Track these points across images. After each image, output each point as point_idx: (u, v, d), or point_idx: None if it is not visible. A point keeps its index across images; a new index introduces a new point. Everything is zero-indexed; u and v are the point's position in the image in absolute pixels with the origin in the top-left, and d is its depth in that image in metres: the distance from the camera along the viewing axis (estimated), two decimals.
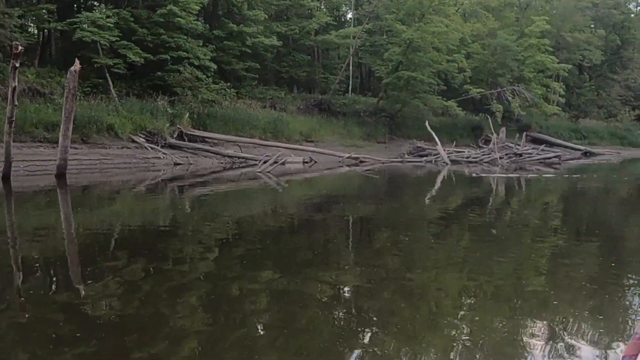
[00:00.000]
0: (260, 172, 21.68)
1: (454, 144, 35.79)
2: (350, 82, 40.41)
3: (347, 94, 39.52)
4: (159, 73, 27.49)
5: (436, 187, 20.04)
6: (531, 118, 46.09)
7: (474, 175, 24.09)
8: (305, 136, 31.66)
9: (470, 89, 40.84)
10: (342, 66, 39.48)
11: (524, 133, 39.06)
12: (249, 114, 30.09)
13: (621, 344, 4.77)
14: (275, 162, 22.90)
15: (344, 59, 40.36)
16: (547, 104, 45.51)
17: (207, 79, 27.84)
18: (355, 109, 37.13)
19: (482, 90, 41.45)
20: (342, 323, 5.40)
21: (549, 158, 35.28)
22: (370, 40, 41.24)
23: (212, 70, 29.20)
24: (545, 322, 5.38)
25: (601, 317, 5.52)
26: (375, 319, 5.50)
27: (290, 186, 19.41)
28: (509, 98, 40.85)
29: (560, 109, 48.08)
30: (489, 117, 38.92)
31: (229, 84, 29.70)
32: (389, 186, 20.70)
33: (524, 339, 4.94)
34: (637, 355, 1.61)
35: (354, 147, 31.83)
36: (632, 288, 6.62)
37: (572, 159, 39.38)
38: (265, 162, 22.81)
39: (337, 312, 5.68)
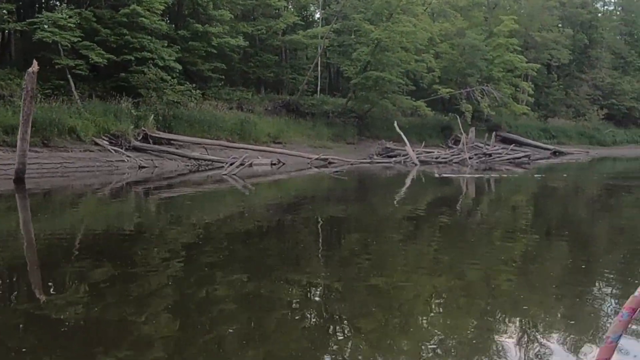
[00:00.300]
0: (226, 174, 21.63)
1: (423, 144, 36.07)
2: (319, 83, 40.47)
3: (315, 94, 39.52)
4: (123, 74, 27.27)
5: (405, 189, 20.15)
6: (501, 118, 46.56)
7: (436, 175, 24.19)
8: (273, 137, 31.64)
9: (439, 89, 41.19)
10: (310, 66, 39.53)
11: (494, 133, 39.57)
12: (215, 115, 29.99)
13: (593, 347, 4.83)
14: (241, 165, 22.84)
15: (312, 59, 40.43)
16: (516, 104, 46.11)
17: (172, 80, 27.70)
18: (324, 109, 37.20)
19: (451, 90, 41.87)
20: (312, 326, 5.41)
21: (519, 158, 35.80)
22: (339, 40, 41.40)
23: (177, 71, 29.06)
24: (516, 325, 5.44)
25: (572, 320, 5.59)
26: (346, 322, 5.53)
27: (258, 189, 19.40)
28: (478, 98, 41.32)
29: (529, 108, 48.60)
30: (457, 117, 39.30)
31: (194, 85, 29.59)
32: (358, 188, 20.78)
33: (495, 343, 4.98)
34: (609, 359, 1.66)
35: (323, 148, 31.89)
36: (602, 290, 6.70)
37: (541, 159, 39.95)
38: (231, 165, 22.74)
39: (307, 316, 5.70)
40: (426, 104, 39.08)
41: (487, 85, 42.30)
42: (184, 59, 30.70)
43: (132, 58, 27.16)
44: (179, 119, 27.70)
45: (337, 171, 25.27)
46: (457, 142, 37.77)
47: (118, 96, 26.16)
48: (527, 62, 46.63)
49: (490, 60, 44.76)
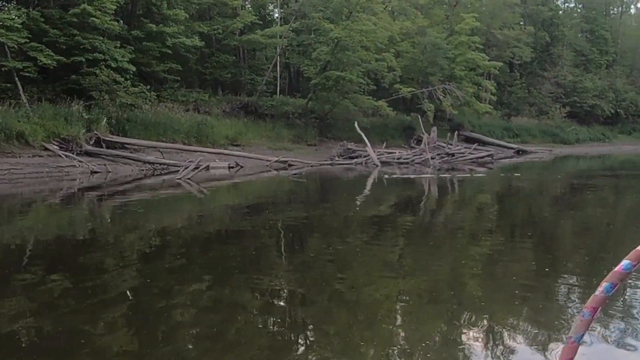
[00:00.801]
0: (180, 179, 21.51)
1: (384, 144, 36.16)
2: (279, 83, 40.44)
3: (275, 95, 39.48)
4: (74, 76, 26.90)
5: (363, 191, 20.23)
6: (463, 117, 47.05)
7: (386, 177, 24.03)
8: (231, 140, 31.55)
9: (401, 89, 41.45)
10: (269, 67, 39.50)
11: (456, 132, 39.85)
12: (171, 117, 29.77)
13: (557, 347, 4.89)
14: (196, 168, 22.73)
15: (272, 59, 40.36)
16: (479, 103, 46.63)
17: (125, 81, 27.39)
18: (284, 110, 37.17)
19: (413, 89, 42.18)
20: (276, 333, 5.45)
21: (482, 157, 36.23)
22: (298, 39, 41.45)
23: (131, 72, 28.78)
24: (481, 328, 5.52)
25: (537, 321, 5.67)
26: (310, 327, 5.56)
27: (213, 193, 19.33)
28: (440, 97, 41.72)
29: (492, 107, 49.35)
30: (419, 116, 39.49)
31: (148, 86, 29.33)
32: (316, 190, 20.74)
33: (460, 345, 5.04)
34: (572, 359, 1.68)
35: (283, 150, 31.92)
36: (566, 291, 6.84)
37: (504, 158, 40.46)
38: (186, 169, 22.62)
39: (270, 322, 5.69)
40: (388, 104, 39.28)
41: (449, 84, 42.73)
42: (137, 60, 30.41)
43: (83, 59, 26.79)
44: (133, 122, 27.45)
45: (295, 174, 25.25)
46: (419, 142, 37.88)
47: (69, 99, 25.81)
48: (489, 61, 47.27)
49: (452, 59, 45.24)
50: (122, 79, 27.27)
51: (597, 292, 1.65)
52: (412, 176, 24.75)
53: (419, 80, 44.72)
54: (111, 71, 26.97)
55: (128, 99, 27.17)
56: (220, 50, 38.87)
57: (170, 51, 32.33)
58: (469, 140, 43.50)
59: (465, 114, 46.84)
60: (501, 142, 47.65)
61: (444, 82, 43.49)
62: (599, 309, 1.67)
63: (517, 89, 59.98)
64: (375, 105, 39.27)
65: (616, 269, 1.63)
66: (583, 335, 1.68)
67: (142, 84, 29.01)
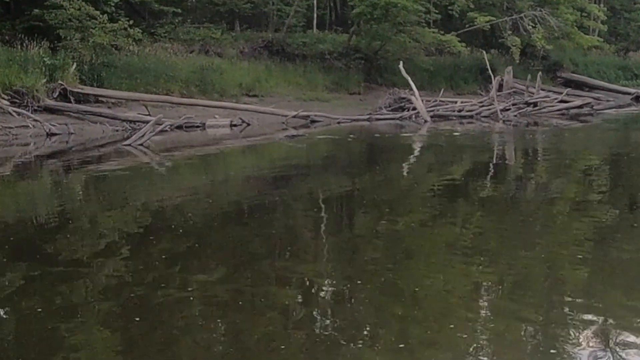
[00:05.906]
0: (130, 144, 20.39)
1: (442, 92, 34.00)
2: (315, 15, 39.22)
3: (309, 30, 38.27)
4: (37, 10, 26.20)
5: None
6: (563, 54, 45.62)
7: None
8: (247, 89, 30.68)
9: (477, 17, 39.65)
10: None
11: (539, 74, 37.08)
12: (165, 62, 28.99)
13: None
14: (152, 131, 21.27)
15: None
16: (583, 35, 44.53)
17: (101, 16, 26.44)
18: (319, 50, 36.07)
19: (493, 18, 40.30)
20: (311, 337, 5.31)
21: (577, 107, 34.14)
22: None
23: (113, 4, 27.92)
24: (589, 325, 5.46)
25: None
26: (355, 332, 5.40)
27: (178, 166, 18.26)
28: (529, 28, 39.74)
29: (602, 40, 47.67)
30: (484, 52, 37.62)
31: (132, 21, 28.23)
32: (311, 162, 19.36)
33: (563, 346, 5.00)
34: None
35: (316, 102, 31.01)
36: None
37: (614, 107, 38.47)
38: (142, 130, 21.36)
39: (305, 323, 5.67)
40: (459, 39, 38.01)
41: (541, 11, 40.67)
42: None
43: None
44: (113, 69, 26.81)
45: (293, 135, 23.68)
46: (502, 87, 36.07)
47: (30, 40, 25.12)
48: None
49: None
50: (98, 13, 26.32)
51: None
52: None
53: (502, 6, 42.77)
54: (84, 3, 26.09)
55: (104, 39, 26.21)
56: None
57: None
58: (570, 83, 41.79)
59: (565, 49, 45.07)
60: (614, 86, 45.91)
61: (534, 7, 41.41)
62: None
63: (638, 14, 57.07)
64: (441, 41, 37.93)
65: None
66: None
67: (125, 19, 27.97)
